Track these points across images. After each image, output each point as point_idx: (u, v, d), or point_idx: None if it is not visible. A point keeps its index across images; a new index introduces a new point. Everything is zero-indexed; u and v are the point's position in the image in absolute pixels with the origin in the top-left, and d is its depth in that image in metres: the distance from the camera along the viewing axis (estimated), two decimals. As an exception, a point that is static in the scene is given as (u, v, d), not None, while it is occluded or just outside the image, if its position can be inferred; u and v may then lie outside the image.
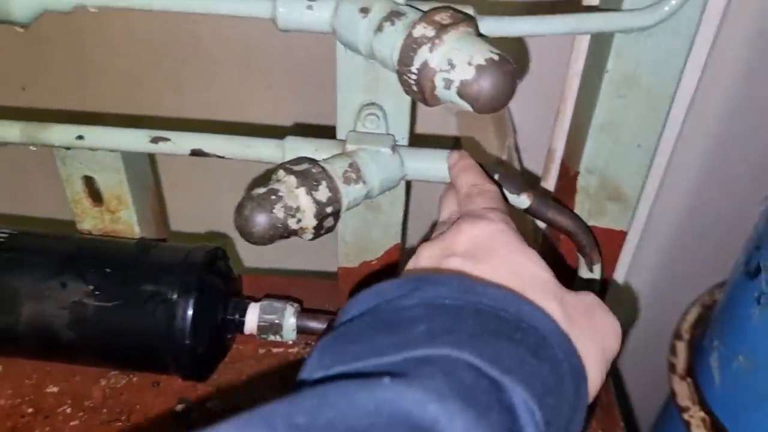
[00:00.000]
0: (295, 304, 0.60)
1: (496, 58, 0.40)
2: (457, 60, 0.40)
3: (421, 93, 0.43)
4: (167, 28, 0.79)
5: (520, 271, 0.34)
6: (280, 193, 0.47)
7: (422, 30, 0.41)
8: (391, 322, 0.30)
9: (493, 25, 0.47)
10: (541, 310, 0.32)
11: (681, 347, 0.78)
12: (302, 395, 0.24)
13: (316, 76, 0.81)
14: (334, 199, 0.48)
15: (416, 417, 0.23)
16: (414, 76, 0.42)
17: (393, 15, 0.43)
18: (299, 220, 0.48)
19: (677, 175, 0.81)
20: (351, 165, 0.50)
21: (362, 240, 0.62)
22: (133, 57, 0.82)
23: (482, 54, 0.40)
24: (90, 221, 0.62)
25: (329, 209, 0.48)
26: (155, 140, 0.54)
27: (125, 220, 0.61)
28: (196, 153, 0.54)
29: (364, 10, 0.44)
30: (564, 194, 0.62)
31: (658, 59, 0.51)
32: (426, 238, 0.41)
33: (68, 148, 0.56)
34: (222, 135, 0.54)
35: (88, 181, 0.60)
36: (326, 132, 0.56)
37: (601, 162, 0.57)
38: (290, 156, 0.53)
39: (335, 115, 0.55)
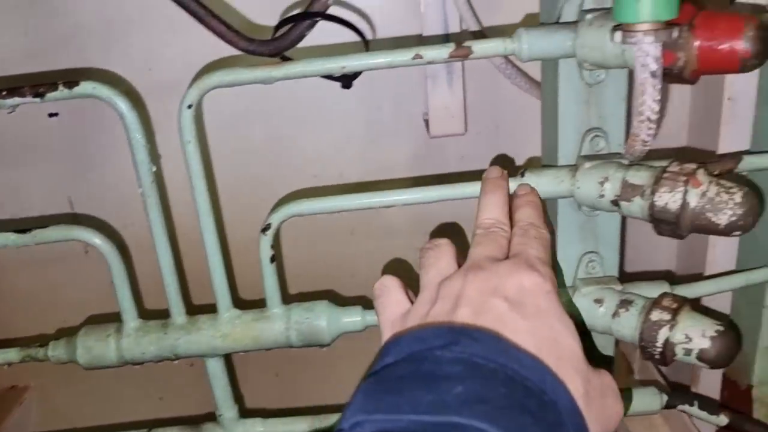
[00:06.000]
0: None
1: (722, 329, 0.54)
2: (693, 334, 0.54)
3: (662, 360, 0.56)
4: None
5: (559, 339, 0.36)
6: None
7: (659, 315, 0.56)
8: (430, 376, 0.31)
9: (686, 291, 0.62)
10: (563, 385, 0.34)
11: None
12: None
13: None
14: None
15: None
16: (659, 350, 0.55)
17: (625, 303, 0.58)
18: None
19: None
20: None
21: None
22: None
23: (712, 327, 0.54)
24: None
25: None
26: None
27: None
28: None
29: (599, 301, 0.59)
30: (737, 403, 0.73)
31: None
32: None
33: None
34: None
35: None
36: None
37: (770, 375, 0.70)
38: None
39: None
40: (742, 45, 0.45)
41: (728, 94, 0.72)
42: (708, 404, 0.65)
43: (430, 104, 0.85)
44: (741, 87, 0.70)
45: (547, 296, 0.38)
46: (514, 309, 0.36)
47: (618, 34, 0.44)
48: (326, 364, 1.02)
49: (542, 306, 0.37)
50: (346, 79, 0.57)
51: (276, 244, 0.60)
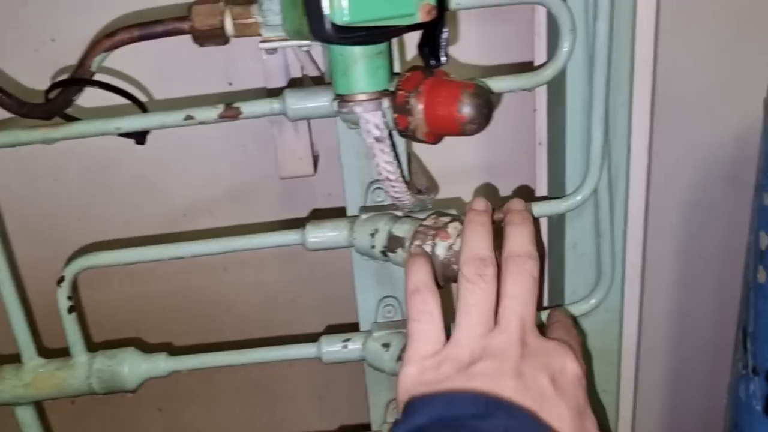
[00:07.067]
0: None
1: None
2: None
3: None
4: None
5: None
6: None
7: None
8: None
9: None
10: None
11: None
12: None
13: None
14: None
15: None
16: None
17: (408, 347, 0.61)
18: None
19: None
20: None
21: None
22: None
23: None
24: None
25: None
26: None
27: None
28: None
29: (386, 345, 0.62)
30: None
31: (601, 330, 0.69)
32: None
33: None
34: None
35: None
36: None
37: (579, 409, 0.72)
38: None
39: None
40: (457, 111, 0.48)
41: (539, 139, 0.75)
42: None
43: (278, 148, 0.87)
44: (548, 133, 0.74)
45: (584, 390, 0.38)
46: (559, 394, 0.36)
47: (335, 104, 0.47)
48: (211, 399, 1.03)
49: (581, 402, 0.37)
50: (139, 136, 0.59)
51: (74, 295, 0.61)
